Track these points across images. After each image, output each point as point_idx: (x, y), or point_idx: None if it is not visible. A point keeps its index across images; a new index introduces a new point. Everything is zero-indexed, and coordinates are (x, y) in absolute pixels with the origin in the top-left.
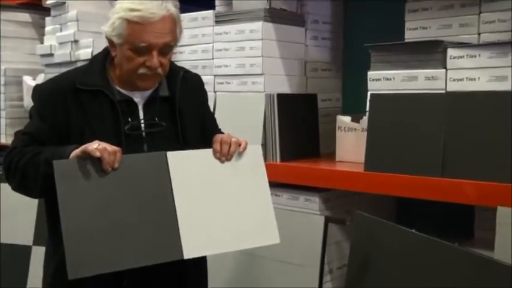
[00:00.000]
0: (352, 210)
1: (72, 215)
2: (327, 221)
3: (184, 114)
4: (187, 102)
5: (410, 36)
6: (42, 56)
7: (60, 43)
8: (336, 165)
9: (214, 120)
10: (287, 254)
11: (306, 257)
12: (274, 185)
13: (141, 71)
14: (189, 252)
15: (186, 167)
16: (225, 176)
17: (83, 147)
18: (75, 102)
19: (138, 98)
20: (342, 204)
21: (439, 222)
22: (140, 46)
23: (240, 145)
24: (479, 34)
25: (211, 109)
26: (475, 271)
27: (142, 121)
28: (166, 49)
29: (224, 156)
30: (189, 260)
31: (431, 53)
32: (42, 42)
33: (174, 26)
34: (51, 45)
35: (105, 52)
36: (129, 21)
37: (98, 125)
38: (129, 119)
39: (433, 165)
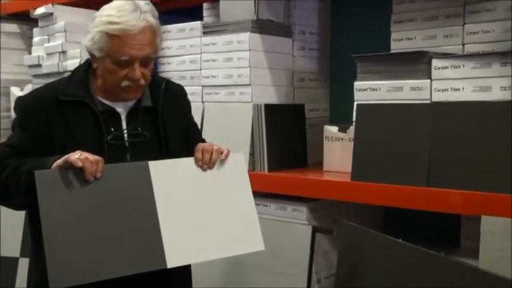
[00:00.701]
0: (339, 220)
1: (53, 225)
2: (315, 230)
3: (167, 124)
4: (170, 112)
5: (396, 46)
6: (30, 66)
7: (48, 54)
8: (323, 175)
9: (198, 130)
10: (275, 263)
11: (293, 267)
12: (262, 195)
13: (124, 83)
14: (173, 261)
15: (168, 176)
16: (207, 184)
17: (64, 157)
18: (57, 113)
19: (121, 109)
20: (329, 214)
21: (426, 231)
22: (122, 59)
23: (222, 153)
24: (463, 45)
25: (200, 119)
26: (460, 280)
27: (125, 131)
28: (147, 60)
29: (206, 164)
30: (173, 268)
31: (417, 63)
32: (30, 53)
33: (154, 37)
34: (39, 56)
35: (87, 63)
36: (109, 35)
37: (80, 135)
38: (112, 129)
39: (419, 175)
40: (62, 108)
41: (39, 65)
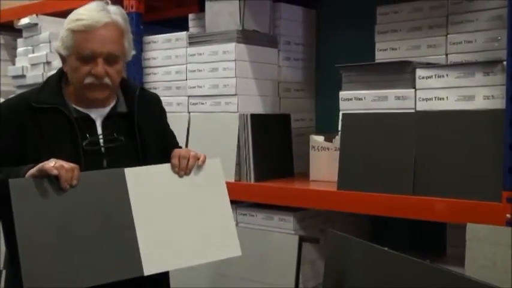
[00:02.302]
0: (326, 229)
1: (28, 234)
2: (301, 240)
3: (143, 130)
4: (145, 119)
5: (380, 56)
6: (14, 77)
7: (32, 64)
8: (309, 185)
9: (175, 137)
10: (261, 273)
11: (280, 277)
12: (248, 205)
13: (88, 80)
14: (150, 268)
15: (145, 182)
16: (184, 190)
17: (39, 165)
18: (30, 121)
19: (96, 115)
20: (316, 223)
21: (412, 239)
22: (85, 54)
23: (198, 159)
24: (446, 55)
25: (185, 130)
26: None
27: (100, 136)
28: (112, 58)
29: (183, 170)
30: (150, 276)
31: (401, 73)
32: (14, 64)
33: (119, 36)
34: (23, 67)
35: (60, 72)
36: (74, 32)
37: (55, 142)
38: (87, 136)
39: (405, 184)
40: (36, 116)
41: (23, 76)
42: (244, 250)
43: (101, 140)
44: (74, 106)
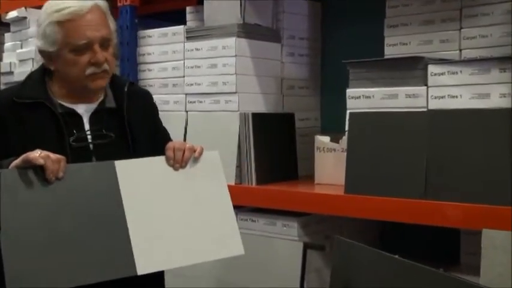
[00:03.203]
0: (332, 236)
1: (13, 230)
2: (306, 247)
3: (134, 126)
4: (136, 114)
5: (390, 52)
6: (1, 74)
7: (21, 60)
8: (314, 188)
9: (169, 136)
10: (264, 282)
11: (284, 285)
12: (249, 209)
13: (89, 70)
14: (143, 267)
15: (137, 176)
16: (180, 184)
17: (23, 156)
18: (13, 118)
19: (82, 110)
20: (321, 229)
21: (424, 247)
22: (80, 44)
23: (195, 151)
24: (460, 50)
25: (183, 129)
26: None
27: (88, 132)
28: (105, 43)
29: (178, 163)
30: (143, 275)
31: (412, 69)
32: (1, 60)
33: (105, 18)
34: (10, 63)
35: (42, 68)
36: (59, 23)
37: (40, 139)
38: (74, 131)
39: (416, 187)
40: (19, 112)
41: (11, 73)
42: (245, 258)
43: (89, 136)
44: (59, 101)
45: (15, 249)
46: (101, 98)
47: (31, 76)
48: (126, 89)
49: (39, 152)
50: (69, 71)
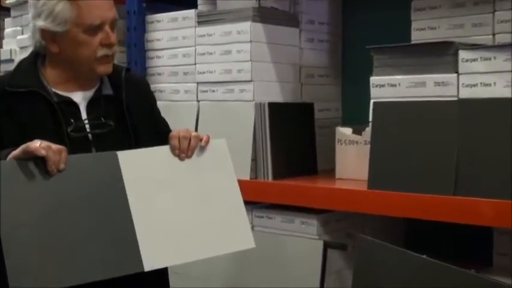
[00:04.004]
0: (354, 234)
1: (14, 225)
2: (326, 246)
3: (134, 114)
4: (134, 102)
5: (417, 37)
6: (1, 61)
7: (22, 47)
8: (335, 183)
9: (168, 126)
10: (281, 284)
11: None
12: (265, 206)
13: (101, 52)
14: (150, 263)
15: (141, 167)
16: (186, 175)
17: (23, 146)
18: (5, 109)
19: (79, 99)
20: (343, 227)
21: (453, 246)
22: (94, 24)
23: (201, 139)
24: (493, 34)
25: (194, 120)
26: None
27: (86, 122)
28: (114, 24)
29: (184, 152)
30: (147, 273)
31: (441, 55)
32: (1, 47)
33: None
34: (11, 50)
35: (34, 55)
36: (72, 1)
37: (36, 129)
38: (72, 121)
39: (445, 182)
40: (11, 102)
41: (11, 60)
42: (260, 257)
43: (87, 126)
44: (53, 89)
45: (16, 244)
46: (97, 85)
47: (22, 64)
48: (123, 76)
49: (39, 142)
50: (78, 53)
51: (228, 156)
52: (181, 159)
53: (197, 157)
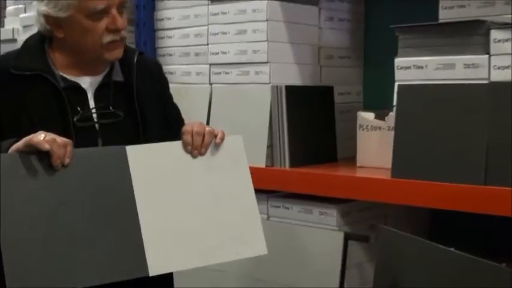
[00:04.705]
0: (376, 226)
1: (14, 223)
2: (347, 238)
3: (144, 102)
4: (146, 89)
5: (445, 16)
6: (3, 41)
7: (25, 26)
8: (356, 172)
9: (179, 112)
10: (298, 278)
11: (321, 282)
12: (282, 195)
13: (107, 38)
14: (155, 267)
15: (150, 163)
16: (198, 173)
17: (26, 138)
18: (8, 92)
19: (87, 84)
20: (364, 218)
21: (482, 239)
22: (99, 8)
23: (216, 136)
24: None
25: (206, 105)
26: None
27: (94, 110)
28: (122, 6)
29: (197, 149)
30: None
31: (471, 35)
32: (2, 26)
33: None
34: (13, 29)
35: (40, 35)
36: None
37: (39, 117)
38: (78, 109)
39: (475, 171)
40: (15, 85)
41: (13, 40)
42: (277, 250)
43: (94, 115)
44: (60, 73)
45: (16, 243)
46: (107, 70)
47: (28, 43)
48: (135, 60)
49: (43, 135)
50: (83, 40)
51: (244, 155)
52: (194, 156)
53: (211, 155)
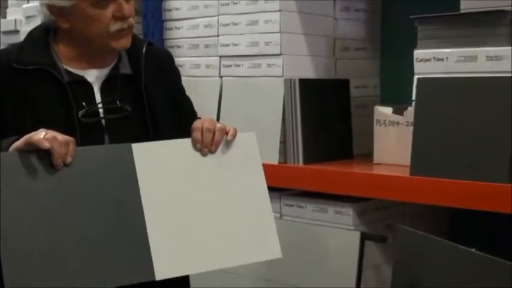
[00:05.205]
0: (394, 225)
1: (14, 224)
2: (364, 238)
3: (154, 97)
4: (155, 82)
5: (467, 6)
6: (5, 33)
7: (28, 17)
8: (373, 169)
9: (192, 106)
10: (313, 279)
11: (336, 284)
12: (296, 193)
13: (114, 27)
14: (162, 271)
15: (158, 162)
16: (208, 172)
17: (26, 137)
18: (10, 87)
19: (92, 78)
20: (381, 217)
21: (503, 240)
22: None
23: (227, 133)
24: None
25: (216, 98)
26: None
27: (100, 105)
28: None
29: (207, 147)
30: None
31: (495, 26)
32: (4, 17)
33: None
34: (15, 20)
35: (44, 27)
36: None
37: (42, 112)
38: (84, 104)
39: (497, 169)
40: (17, 80)
41: (16, 31)
42: (290, 250)
43: (101, 110)
44: (65, 66)
45: (16, 245)
46: (114, 62)
47: (31, 37)
48: (144, 51)
49: (44, 133)
50: (89, 29)
51: (257, 153)
52: (204, 154)
53: (222, 153)
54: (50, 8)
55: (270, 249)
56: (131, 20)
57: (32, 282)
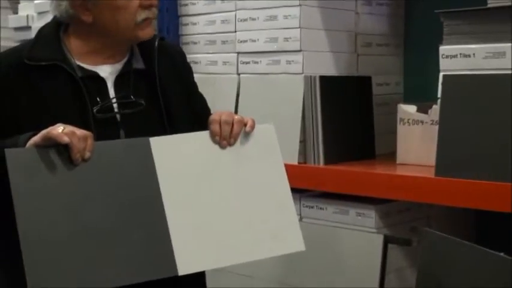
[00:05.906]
0: (418, 228)
1: (32, 220)
2: (387, 241)
3: (168, 90)
4: (168, 76)
5: (495, 0)
6: (16, 29)
7: (40, 13)
8: (396, 169)
9: (206, 102)
10: (333, 284)
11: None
12: (316, 194)
13: (141, 16)
14: (185, 266)
15: (176, 155)
16: (227, 165)
17: (43, 132)
18: (24, 84)
19: (106, 73)
20: (405, 219)
21: None
22: None
23: (245, 124)
24: None
25: (234, 96)
26: None
27: (114, 100)
28: None
29: (226, 139)
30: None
31: None
32: (16, 12)
33: None
34: (27, 16)
35: (55, 23)
36: None
37: (57, 108)
38: (98, 99)
39: None
40: (30, 76)
41: (27, 28)
42: (310, 253)
43: (115, 105)
44: (78, 62)
45: (36, 242)
46: (127, 57)
47: (42, 33)
48: (156, 46)
49: (62, 128)
50: (115, 20)
51: (276, 144)
52: (223, 147)
53: (241, 145)
54: (73, 1)
55: (293, 241)
56: (155, 9)
57: (54, 281)
